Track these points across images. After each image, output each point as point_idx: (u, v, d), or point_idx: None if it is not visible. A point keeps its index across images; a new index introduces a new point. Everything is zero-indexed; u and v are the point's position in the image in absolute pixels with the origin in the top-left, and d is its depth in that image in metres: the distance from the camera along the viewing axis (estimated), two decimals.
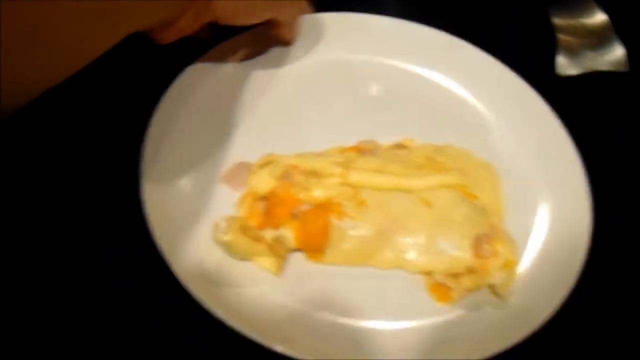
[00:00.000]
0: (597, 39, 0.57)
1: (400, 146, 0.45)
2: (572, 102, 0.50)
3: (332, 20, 0.52)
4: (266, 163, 0.42)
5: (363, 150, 0.44)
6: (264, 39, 0.49)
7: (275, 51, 0.50)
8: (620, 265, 0.42)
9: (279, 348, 0.34)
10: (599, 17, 0.58)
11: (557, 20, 0.59)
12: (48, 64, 0.27)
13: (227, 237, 0.38)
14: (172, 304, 0.37)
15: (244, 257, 0.39)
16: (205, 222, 0.40)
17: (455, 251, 0.39)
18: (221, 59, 0.48)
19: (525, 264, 0.40)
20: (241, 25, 0.43)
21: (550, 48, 0.56)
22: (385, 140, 0.46)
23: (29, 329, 0.36)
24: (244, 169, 0.43)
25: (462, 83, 0.51)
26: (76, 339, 0.36)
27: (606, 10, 0.58)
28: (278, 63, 0.50)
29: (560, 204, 0.43)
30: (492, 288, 0.39)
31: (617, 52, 0.55)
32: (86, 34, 0.28)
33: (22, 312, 0.37)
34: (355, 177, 0.41)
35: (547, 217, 0.43)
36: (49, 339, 0.36)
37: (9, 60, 0.24)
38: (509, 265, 0.39)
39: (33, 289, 0.38)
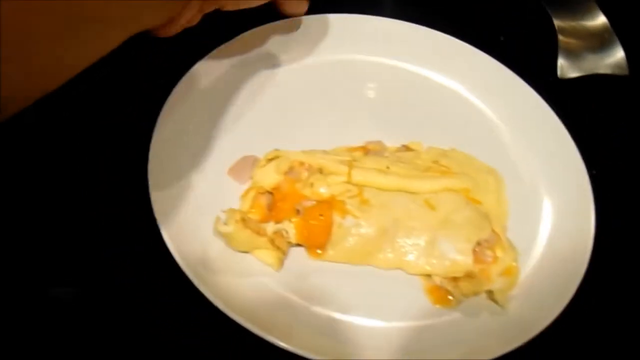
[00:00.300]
0: (598, 42, 0.57)
1: (406, 149, 0.45)
2: (572, 105, 0.50)
3: (344, 21, 0.52)
4: (273, 158, 0.42)
5: (369, 150, 0.44)
6: (270, 38, 0.49)
7: (284, 50, 0.50)
8: (620, 267, 0.42)
9: (274, 339, 0.34)
10: (600, 20, 0.58)
11: (558, 22, 0.59)
12: (50, 67, 0.27)
13: (228, 229, 0.38)
14: (173, 304, 0.37)
15: (245, 249, 0.39)
16: (209, 212, 0.40)
17: (456, 255, 0.39)
18: (230, 57, 0.48)
19: (526, 271, 0.40)
20: (246, 7, 0.41)
21: (551, 50, 0.56)
22: (392, 142, 0.46)
23: (27, 324, 0.36)
24: (250, 163, 0.43)
25: (468, 87, 0.51)
26: (76, 336, 0.36)
27: (607, 13, 0.58)
28: (288, 62, 0.50)
29: (564, 209, 0.43)
30: (490, 294, 0.39)
31: (617, 55, 0.55)
32: (90, 35, 0.27)
33: (20, 307, 0.37)
34: (359, 176, 0.41)
35: (550, 223, 0.43)
36: (49, 336, 0.36)
37: (9, 64, 0.24)
38: (510, 272, 0.39)
39: (33, 285, 0.38)
